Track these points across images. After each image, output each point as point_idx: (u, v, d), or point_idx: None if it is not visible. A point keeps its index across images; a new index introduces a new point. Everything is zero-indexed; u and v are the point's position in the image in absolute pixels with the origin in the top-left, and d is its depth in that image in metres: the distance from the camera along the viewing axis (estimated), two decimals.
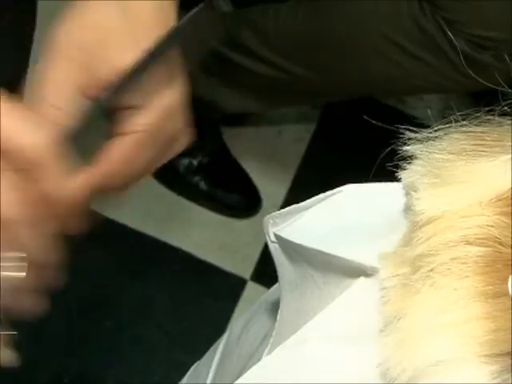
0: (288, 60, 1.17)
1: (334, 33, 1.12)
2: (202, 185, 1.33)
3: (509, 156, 0.39)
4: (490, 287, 0.36)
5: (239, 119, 1.39)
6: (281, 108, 1.38)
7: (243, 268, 1.29)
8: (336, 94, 1.24)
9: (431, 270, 0.37)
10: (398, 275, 0.38)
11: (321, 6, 1.15)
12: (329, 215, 0.51)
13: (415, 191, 0.39)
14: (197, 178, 1.33)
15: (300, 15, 1.16)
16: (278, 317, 0.51)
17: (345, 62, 1.13)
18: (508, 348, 0.35)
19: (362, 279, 0.41)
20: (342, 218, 0.50)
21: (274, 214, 0.53)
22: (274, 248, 0.53)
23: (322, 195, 0.51)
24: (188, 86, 0.53)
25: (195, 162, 1.33)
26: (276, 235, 0.52)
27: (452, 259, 0.36)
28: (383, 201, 0.47)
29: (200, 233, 1.31)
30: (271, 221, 0.54)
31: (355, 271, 0.42)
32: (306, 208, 0.51)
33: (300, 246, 0.49)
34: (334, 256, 0.45)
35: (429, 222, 0.38)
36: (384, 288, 0.39)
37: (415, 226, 0.39)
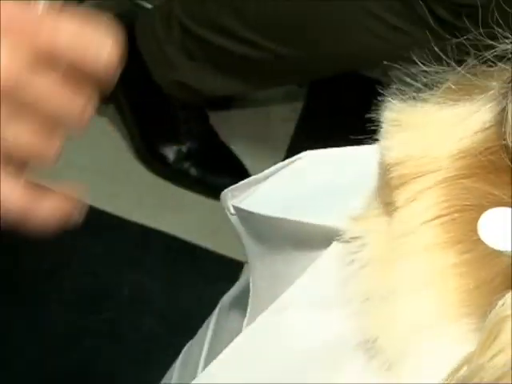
0: (272, 40, 1.18)
1: (318, 10, 1.14)
2: (193, 171, 1.34)
3: (476, 105, 0.39)
4: (462, 237, 0.36)
5: (225, 102, 1.39)
6: (268, 88, 1.38)
7: (239, 250, 1.30)
8: (322, 70, 1.26)
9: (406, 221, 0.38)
10: (370, 233, 0.39)
11: None
12: (290, 182, 0.51)
13: (384, 139, 0.40)
14: (187, 165, 1.34)
15: None
16: (251, 288, 0.50)
17: (330, 38, 1.17)
18: (486, 302, 0.35)
19: (334, 244, 0.41)
20: (305, 184, 0.49)
21: (232, 187, 0.52)
22: (235, 221, 0.52)
23: (280, 163, 0.50)
24: None
25: (184, 149, 1.33)
26: (235, 207, 0.52)
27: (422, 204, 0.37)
28: (351, 164, 0.47)
29: (193, 218, 1.32)
30: (229, 194, 0.53)
31: (326, 236, 0.41)
32: (266, 177, 0.51)
33: (262, 215, 0.49)
34: (300, 222, 0.44)
35: (397, 166, 0.39)
36: (356, 251, 0.39)
37: (385, 176, 0.39)
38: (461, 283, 0.36)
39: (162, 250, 1.30)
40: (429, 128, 0.41)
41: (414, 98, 0.41)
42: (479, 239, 0.36)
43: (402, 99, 0.41)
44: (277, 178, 0.51)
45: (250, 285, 0.51)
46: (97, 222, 1.26)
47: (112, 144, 1.41)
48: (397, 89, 0.41)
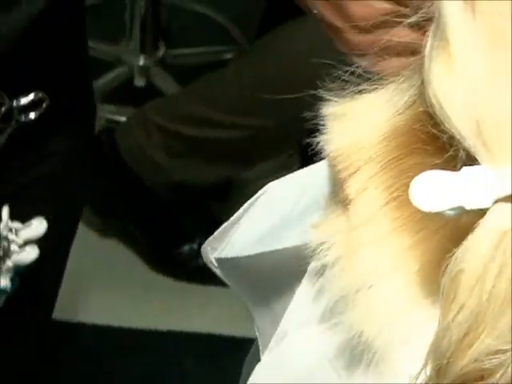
0: (249, 115, 1.29)
1: (275, 78, 1.25)
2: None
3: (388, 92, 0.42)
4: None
5: (223, 188, 1.48)
6: (255, 165, 1.47)
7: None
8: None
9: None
10: (332, 233, 0.41)
11: (258, 59, 1.30)
12: (261, 218, 0.53)
13: (324, 134, 0.42)
14: (202, 260, 1.37)
15: (243, 72, 1.30)
16: (257, 333, 0.54)
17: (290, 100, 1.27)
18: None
19: (312, 260, 0.44)
20: (275, 215, 0.52)
21: (210, 239, 0.55)
22: (220, 273, 0.56)
23: (248, 202, 0.53)
24: None
25: (195, 246, 1.40)
26: (217, 259, 0.55)
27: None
28: (311, 182, 0.50)
29: (222, 310, 1.37)
30: (209, 248, 0.55)
31: (304, 256, 0.43)
32: (238, 220, 0.54)
33: (242, 257, 0.52)
34: (276, 251, 0.48)
35: (339, 158, 0.41)
36: (323, 256, 0.41)
37: (332, 172, 0.42)
38: (422, 262, 0.39)
39: (203, 349, 1.34)
40: (362, 116, 0.43)
41: (350, 91, 0.44)
42: (427, 218, 0.38)
43: (338, 94, 0.44)
44: (248, 218, 0.53)
45: (256, 330, 0.54)
46: (133, 343, 1.34)
47: (126, 262, 1.47)
48: (334, 84, 0.43)
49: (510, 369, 0.36)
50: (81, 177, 0.95)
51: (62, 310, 1.04)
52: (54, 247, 0.84)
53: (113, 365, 1.28)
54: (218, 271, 0.57)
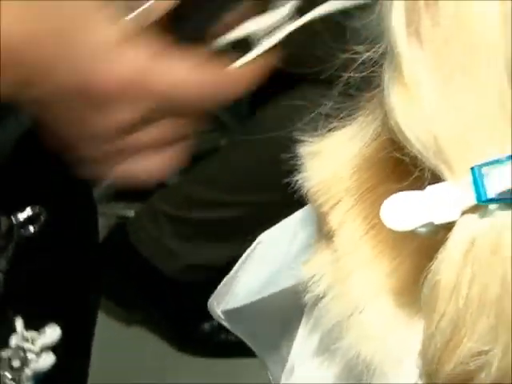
0: (253, 191, 1.36)
1: (264, 156, 1.31)
2: (233, 337, 1.41)
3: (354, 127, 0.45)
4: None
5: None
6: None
7: None
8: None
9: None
10: (320, 266, 0.43)
11: (246, 141, 1.39)
12: (258, 267, 0.56)
13: (302, 172, 0.45)
14: (224, 335, 1.45)
15: (234, 155, 1.41)
16: (270, 378, 0.57)
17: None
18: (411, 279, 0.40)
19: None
20: (271, 262, 0.55)
21: (214, 294, 0.58)
22: (228, 325, 0.59)
23: (243, 256, 0.57)
24: None
25: (215, 322, 1.39)
26: (223, 312, 0.58)
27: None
28: (301, 226, 0.52)
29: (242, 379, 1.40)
30: (214, 303, 0.59)
31: (301, 295, 0.46)
32: (237, 273, 0.57)
33: (245, 306, 0.55)
34: (275, 294, 0.51)
35: (318, 193, 0.44)
36: (315, 289, 0.43)
37: (314, 207, 0.44)
38: (403, 281, 0.41)
39: None
40: (335, 152, 0.45)
41: (322, 131, 0.46)
42: (403, 241, 0.41)
43: (312, 134, 0.46)
44: (246, 269, 0.57)
45: (269, 375, 0.57)
46: None
47: (150, 350, 1.53)
48: (307, 126, 0.46)
49: (493, 368, 0.37)
50: (93, 277, 0.94)
51: None
52: (72, 350, 0.84)
53: None
54: (226, 324, 0.60)
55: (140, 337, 1.52)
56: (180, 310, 1.48)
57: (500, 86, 0.38)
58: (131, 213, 1.60)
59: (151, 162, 0.60)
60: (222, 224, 1.38)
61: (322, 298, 0.43)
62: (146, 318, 1.52)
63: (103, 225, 1.58)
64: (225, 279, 0.59)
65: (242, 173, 1.37)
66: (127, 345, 1.53)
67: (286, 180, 0.47)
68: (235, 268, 0.59)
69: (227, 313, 0.59)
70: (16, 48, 0.53)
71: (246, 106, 1.65)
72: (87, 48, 0.54)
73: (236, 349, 1.45)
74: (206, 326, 1.46)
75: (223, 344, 1.45)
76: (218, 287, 0.60)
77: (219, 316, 0.60)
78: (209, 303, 0.60)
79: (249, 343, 0.61)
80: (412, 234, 0.38)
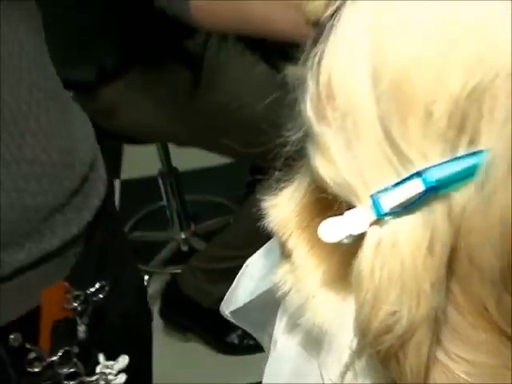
0: (246, 248, 1.58)
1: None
2: (252, 341, 1.53)
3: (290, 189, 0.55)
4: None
5: None
6: None
7: None
8: None
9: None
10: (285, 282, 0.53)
11: (246, 213, 1.83)
12: (251, 275, 0.67)
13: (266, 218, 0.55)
14: (253, 341, 1.94)
15: (240, 223, 1.91)
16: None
17: None
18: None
19: None
20: (257, 274, 0.66)
21: (223, 301, 0.69)
22: (237, 323, 0.69)
23: (239, 274, 0.68)
24: None
25: (240, 331, 1.93)
26: (231, 313, 0.68)
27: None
28: (271, 252, 0.63)
29: None
30: (224, 307, 0.69)
31: (276, 291, 0.56)
32: (236, 285, 0.69)
33: (245, 304, 0.66)
34: (265, 291, 0.62)
35: (277, 231, 0.54)
36: (281, 288, 0.53)
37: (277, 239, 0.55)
38: (339, 276, 0.52)
39: None
40: (286, 202, 0.55)
41: (276, 189, 0.56)
42: (335, 249, 0.50)
43: (270, 192, 0.56)
44: (241, 282, 0.69)
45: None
46: None
47: (198, 354, 2.09)
48: (267, 187, 0.55)
49: (403, 322, 0.47)
50: (145, 320, 1.12)
51: None
52: (137, 370, 0.99)
53: None
54: (233, 321, 0.69)
55: (192, 346, 2.09)
56: (215, 326, 1.98)
57: (378, 139, 0.47)
58: (179, 271, 2.17)
59: None
60: (238, 269, 1.90)
61: (288, 293, 0.53)
62: (195, 334, 2.10)
63: (162, 279, 2.23)
64: (229, 291, 0.69)
65: (244, 236, 1.76)
66: (184, 353, 2.13)
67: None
68: (234, 282, 0.70)
69: (233, 313, 0.69)
70: None
71: (243, 192, 2.12)
72: None
73: (258, 348, 2.05)
74: (233, 334, 1.98)
75: (247, 345, 1.95)
76: (225, 297, 0.70)
77: (228, 316, 0.70)
78: (220, 308, 0.70)
79: (252, 333, 0.71)
80: (340, 243, 0.48)
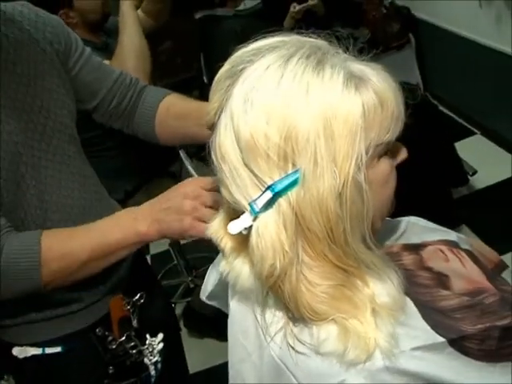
0: None
1: None
2: None
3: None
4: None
5: None
6: None
7: None
8: None
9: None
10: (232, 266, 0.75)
11: None
12: (212, 273, 0.92)
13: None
14: None
15: None
16: (229, 336, 0.84)
17: None
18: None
19: None
20: (215, 269, 0.87)
21: (201, 292, 0.89)
22: (212, 303, 0.90)
23: (207, 272, 0.90)
24: None
25: None
26: (206, 297, 0.90)
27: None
28: (220, 257, 0.83)
29: None
30: (201, 294, 0.90)
31: (223, 277, 0.78)
32: (206, 279, 0.91)
33: (214, 288, 0.85)
34: (219, 280, 0.81)
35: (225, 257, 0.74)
36: (224, 275, 0.75)
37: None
38: (246, 252, 0.71)
39: None
40: (216, 220, 0.78)
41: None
42: (240, 237, 0.68)
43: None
44: (209, 275, 0.90)
45: (228, 335, 0.82)
46: None
47: (206, 344, 2.89)
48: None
49: (278, 268, 0.65)
50: (174, 323, 1.56)
51: None
52: (171, 344, 1.36)
53: None
54: (208, 302, 0.90)
55: (205, 341, 2.88)
56: (217, 326, 2.62)
57: (246, 173, 0.67)
58: (190, 299, 3.11)
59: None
60: None
61: (227, 274, 0.77)
62: (206, 334, 2.85)
63: (182, 305, 3.20)
64: (203, 283, 0.90)
65: None
66: (200, 346, 2.90)
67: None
68: (206, 277, 0.91)
69: (207, 297, 0.90)
70: (152, 235, 0.96)
71: None
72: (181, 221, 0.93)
73: None
74: None
75: None
76: (201, 288, 0.90)
77: (205, 300, 0.89)
78: (200, 296, 0.91)
79: (221, 308, 0.89)
80: (241, 234, 0.68)
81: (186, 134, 1.28)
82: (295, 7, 3.72)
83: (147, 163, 2.36)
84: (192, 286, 3.23)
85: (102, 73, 1.34)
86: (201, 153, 0.78)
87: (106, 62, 1.79)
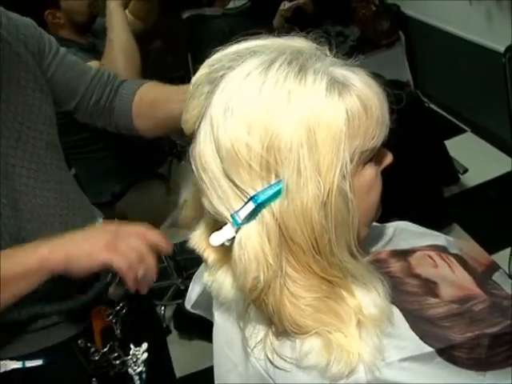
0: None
1: None
2: None
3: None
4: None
5: None
6: None
7: None
8: None
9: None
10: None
11: None
12: (196, 284, 0.89)
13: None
14: None
15: None
16: (214, 345, 0.83)
17: None
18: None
19: None
20: (199, 280, 0.85)
21: (185, 301, 0.88)
22: (198, 313, 0.88)
23: (191, 283, 0.88)
24: None
25: None
26: (191, 307, 0.89)
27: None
28: (204, 267, 0.82)
29: None
30: (186, 304, 0.89)
31: (208, 287, 0.77)
32: (191, 289, 0.89)
33: (197, 299, 0.83)
34: (203, 291, 0.80)
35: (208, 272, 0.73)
36: (208, 285, 0.75)
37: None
38: (229, 264, 0.72)
39: None
40: (197, 232, 0.77)
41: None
42: (222, 248, 0.68)
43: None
44: (193, 285, 0.89)
45: (214, 344, 0.81)
46: None
47: (196, 345, 2.84)
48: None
49: (262, 281, 0.62)
50: (161, 333, 1.57)
51: None
52: (156, 351, 1.31)
53: None
54: (193, 311, 0.90)
55: (194, 343, 2.84)
56: (206, 327, 2.45)
57: (227, 184, 0.66)
58: (180, 301, 3.03)
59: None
60: None
61: (210, 285, 0.77)
62: (195, 336, 2.82)
63: (172, 307, 3.17)
64: (187, 294, 0.89)
65: None
66: (190, 347, 2.86)
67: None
68: (190, 287, 0.90)
69: (191, 307, 0.90)
70: (58, 262, 0.92)
71: None
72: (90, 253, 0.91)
73: None
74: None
75: None
76: (186, 297, 0.90)
77: (189, 309, 0.89)
78: (185, 304, 0.91)
79: (205, 316, 0.89)
80: (224, 246, 0.67)
81: (161, 123, 1.26)
82: (285, 5, 3.70)
83: (135, 165, 2.37)
84: (182, 287, 3.20)
85: (78, 71, 1.32)
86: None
87: (95, 62, 1.82)
